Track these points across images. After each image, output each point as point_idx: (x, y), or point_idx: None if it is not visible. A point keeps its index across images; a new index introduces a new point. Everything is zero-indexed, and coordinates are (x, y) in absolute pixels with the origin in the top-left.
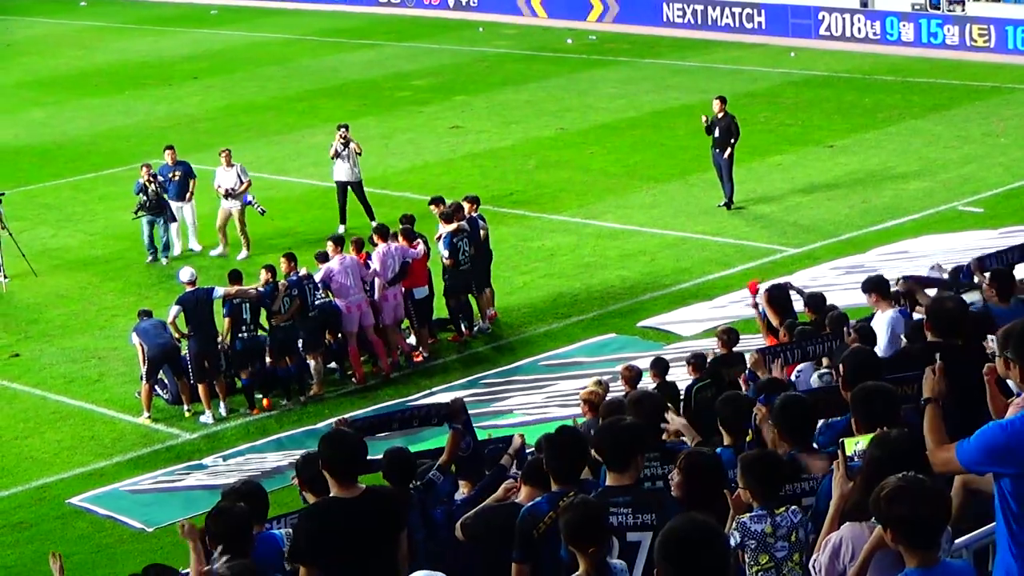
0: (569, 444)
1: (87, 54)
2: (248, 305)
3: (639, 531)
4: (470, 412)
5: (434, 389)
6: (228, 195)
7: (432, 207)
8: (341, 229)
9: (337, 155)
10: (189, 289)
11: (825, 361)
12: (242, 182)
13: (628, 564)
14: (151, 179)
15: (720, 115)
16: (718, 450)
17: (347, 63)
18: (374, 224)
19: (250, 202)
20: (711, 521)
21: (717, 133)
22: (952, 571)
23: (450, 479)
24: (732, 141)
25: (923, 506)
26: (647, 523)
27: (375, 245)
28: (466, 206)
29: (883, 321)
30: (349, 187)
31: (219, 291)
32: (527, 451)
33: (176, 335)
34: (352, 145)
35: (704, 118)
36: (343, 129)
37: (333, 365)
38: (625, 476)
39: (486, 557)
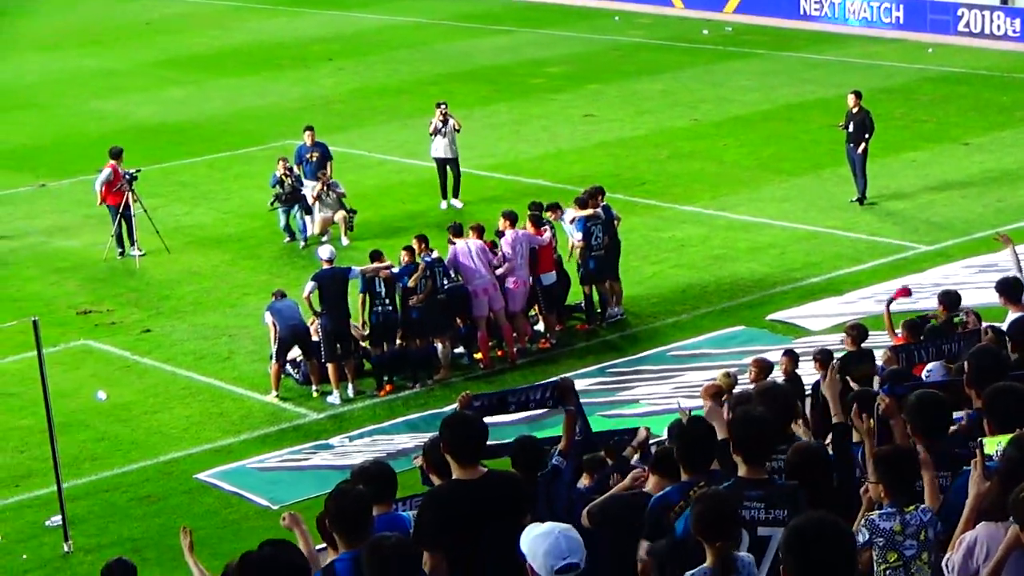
0: (702, 434)
1: (224, 34)
2: (383, 281)
3: (770, 526)
4: (597, 400)
5: (560, 376)
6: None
7: (549, 213)
8: (444, 205)
9: (436, 132)
10: (326, 267)
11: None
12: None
13: (757, 559)
14: (287, 173)
15: (855, 110)
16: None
17: (480, 48)
18: (457, 204)
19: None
20: (838, 519)
21: (852, 128)
22: None
23: (572, 465)
24: (867, 136)
25: None
26: (779, 519)
27: (501, 235)
28: (590, 200)
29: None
30: (447, 164)
31: (356, 270)
32: (651, 443)
33: (309, 312)
34: (451, 122)
35: (840, 125)
36: (442, 106)
37: (460, 350)
38: (759, 470)
39: (613, 546)
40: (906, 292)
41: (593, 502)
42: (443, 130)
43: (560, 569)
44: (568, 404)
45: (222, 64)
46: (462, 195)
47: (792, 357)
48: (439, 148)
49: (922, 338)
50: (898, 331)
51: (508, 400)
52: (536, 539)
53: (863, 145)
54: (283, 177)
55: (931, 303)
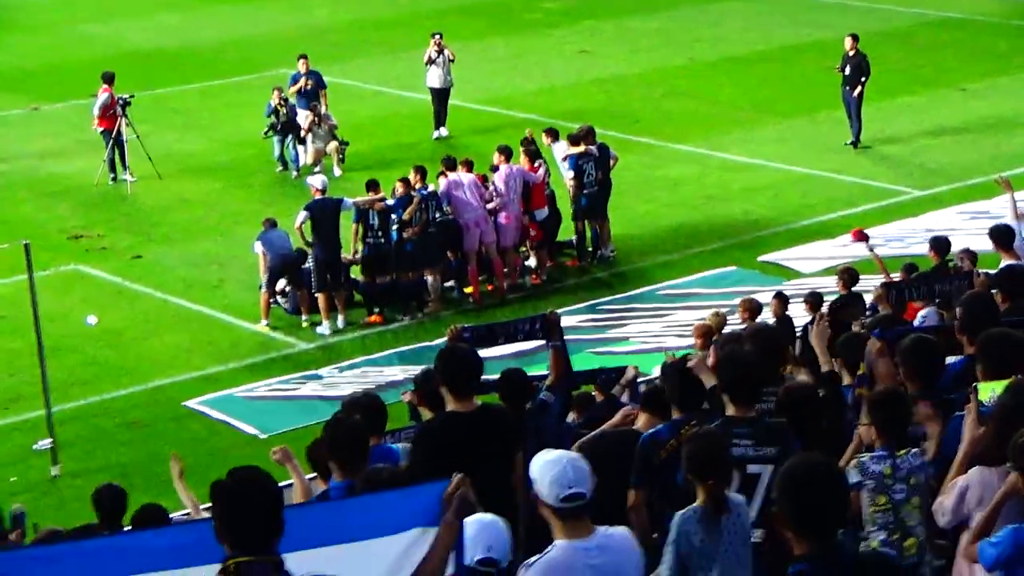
0: (690, 372)
1: None
2: (376, 212)
3: (760, 463)
4: (587, 337)
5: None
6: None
7: (545, 136)
8: (436, 134)
9: (431, 62)
10: (319, 197)
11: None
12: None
13: (748, 496)
14: (282, 103)
15: (852, 52)
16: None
17: None
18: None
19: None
20: (831, 460)
21: (848, 71)
22: None
23: (560, 400)
24: (863, 80)
25: None
26: (768, 456)
27: (495, 170)
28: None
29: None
30: (441, 94)
31: (349, 201)
32: (640, 381)
33: (301, 242)
34: (446, 52)
35: (836, 68)
36: (437, 36)
37: (451, 283)
38: (747, 408)
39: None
40: (861, 236)
41: (583, 438)
42: (437, 60)
43: (565, 498)
44: (554, 339)
45: None
46: (449, 126)
47: (782, 299)
48: (434, 78)
49: (913, 277)
50: (895, 275)
51: (496, 332)
52: (544, 466)
53: (859, 88)
54: (278, 107)
55: (923, 248)
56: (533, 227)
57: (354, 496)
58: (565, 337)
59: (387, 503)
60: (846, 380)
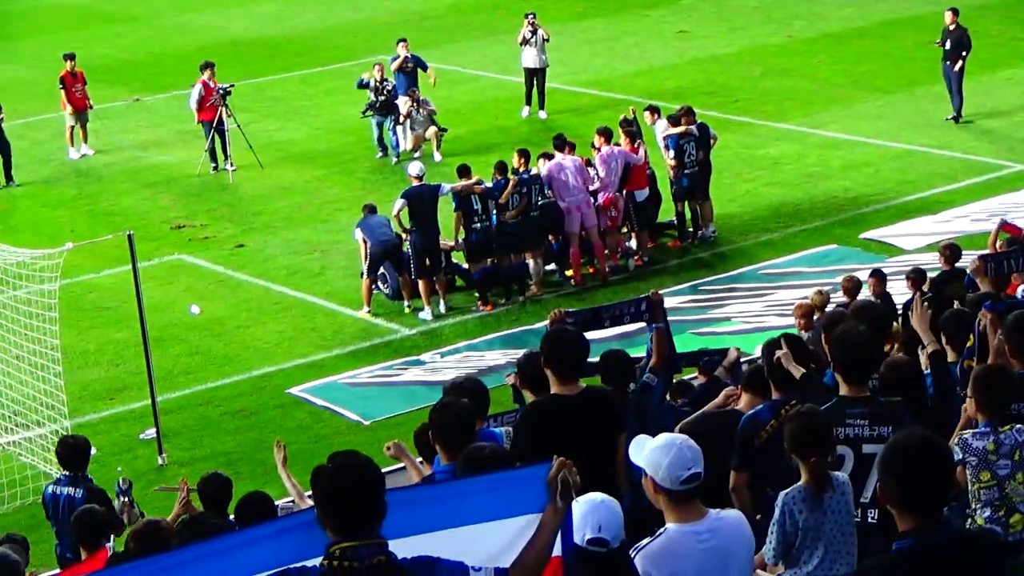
0: (792, 351)
1: None
2: (478, 197)
3: (875, 443)
4: (688, 318)
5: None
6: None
7: (647, 114)
8: (525, 111)
9: (525, 42)
10: (415, 184)
11: None
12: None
13: (863, 477)
14: (381, 82)
15: (952, 27)
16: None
17: None
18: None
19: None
20: (937, 437)
21: (948, 45)
22: None
23: (664, 381)
24: (964, 54)
25: None
26: (884, 435)
27: (597, 149)
28: (682, 119)
29: None
30: (535, 74)
31: (446, 187)
32: (743, 362)
33: (399, 229)
34: (540, 32)
35: (937, 42)
36: (531, 16)
37: (552, 267)
38: (861, 387)
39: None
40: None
41: (685, 419)
42: (532, 40)
43: (685, 479)
44: (657, 321)
45: None
46: (549, 108)
47: (880, 277)
48: (529, 58)
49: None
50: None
51: (602, 316)
52: (658, 451)
53: (960, 63)
54: (376, 84)
55: None
56: (616, 209)
57: (458, 479)
58: (668, 318)
59: (491, 487)
60: (951, 357)
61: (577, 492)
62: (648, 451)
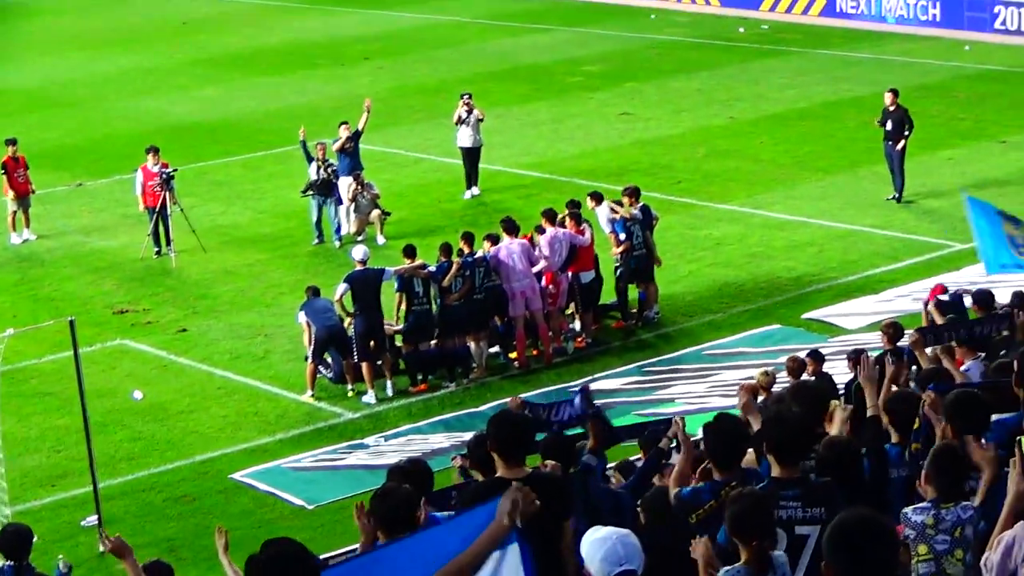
0: (729, 431)
1: (260, 32)
2: (420, 280)
3: (808, 524)
4: (633, 399)
5: (596, 375)
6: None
7: (589, 200)
8: (467, 194)
9: (461, 122)
10: (359, 268)
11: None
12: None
13: (795, 558)
14: (323, 162)
15: (892, 108)
16: (887, 447)
17: (518, 47)
18: (470, 190)
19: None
20: (881, 515)
21: (890, 126)
22: None
23: (603, 463)
24: (906, 134)
25: None
26: (816, 516)
27: (542, 231)
28: (625, 200)
29: None
30: (471, 153)
31: (390, 271)
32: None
33: (342, 313)
34: (475, 112)
35: (877, 122)
36: (466, 96)
37: (496, 349)
38: (793, 469)
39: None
40: (941, 289)
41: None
42: (467, 119)
43: (617, 575)
44: (591, 408)
45: (258, 63)
46: (493, 191)
47: (816, 357)
48: (464, 138)
49: (950, 321)
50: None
51: (551, 420)
52: (594, 544)
53: (902, 143)
54: (320, 163)
55: (966, 302)
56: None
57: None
58: (612, 400)
59: (449, 530)
60: (894, 438)
61: (534, 525)
62: (586, 544)
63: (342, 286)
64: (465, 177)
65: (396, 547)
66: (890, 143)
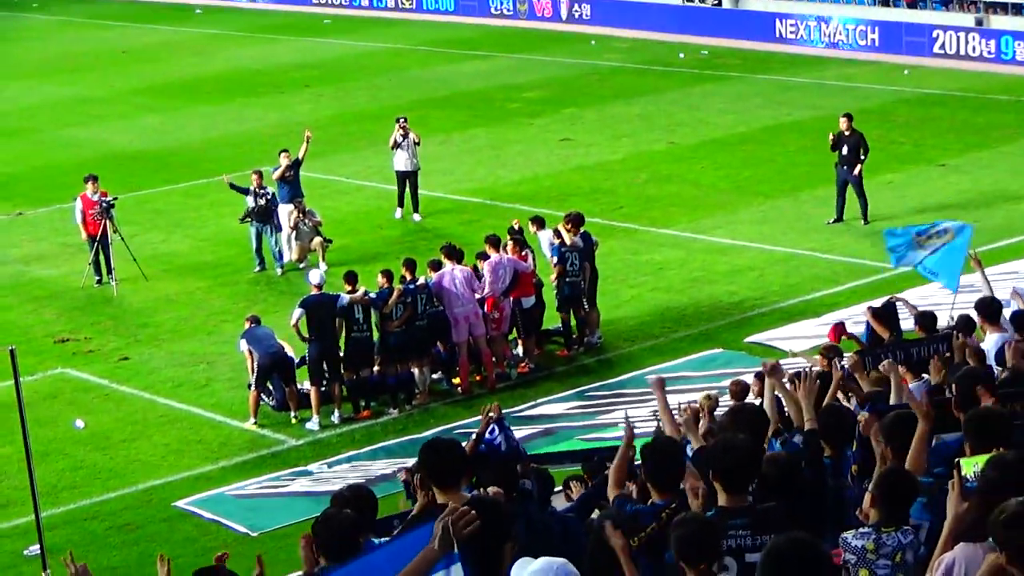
0: (668, 453)
1: (201, 61)
2: (360, 306)
3: (758, 552)
4: (575, 424)
5: (539, 400)
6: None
7: (532, 224)
8: (398, 213)
9: (397, 146)
10: (315, 292)
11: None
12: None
13: None
14: (260, 189)
15: (847, 132)
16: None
17: (458, 74)
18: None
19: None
20: (814, 540)
21: (845, 150)
22: None
23: (537, 484)
24: (862, 158)
25: None
26: (767, 544)
27: (485, 258)
28: (563, 228)
29: (988, 345)
30: (407, 177)
31: (345, 298)
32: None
33: (297, 338)
34: (411, 136)
35: (832, 136)
36: (402, 120)
37: (439, 375)
38: (742, 497)
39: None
40: (839, 329)
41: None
42: (403, 143)
43: None
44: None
45: (198, 91)
46: (433, 218)
47: (762, 379)
48: (400, 161)
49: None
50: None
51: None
52: (534, 575)
53: (858, 167)
54: (256, 191)
55: (909, 324)
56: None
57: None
58: (555, 424)
59: (386, 555)
60: (827, 452)
61: (474, 549)
62: (526, 574)
63: (297, 311)
64: (398, 199)
65: (339, 572)
66: (845, 168)
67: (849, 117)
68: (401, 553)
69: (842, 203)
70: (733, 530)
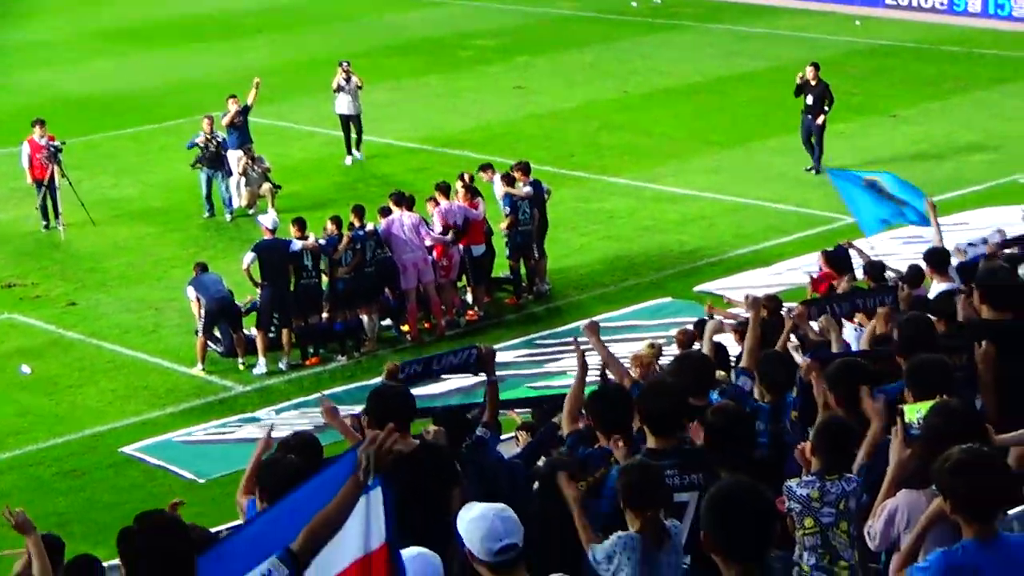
0: (616, 400)
1: (153, 6)
2: (309, 253)
3: (686, 491)
4: (524, 372)
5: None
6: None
7: (481, 173)
8: (348, 160)
9: (339, 89)
10: (268, 237)
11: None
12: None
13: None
14: (211, 135)
15: (814, 82)
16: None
17: (412, 21)
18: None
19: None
20: (757, 484)
21: (811, 100)
22: (1010, 544)
23: (497, 435)
24: (826, 109)
25: (986, 479)
26: (694, 483)
27: (436, 203)
28: (517, 174)
29: (932, 294)
30: (350, 120)
31: (297, 244)
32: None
33: (249, 283)
34: (354, 79)
35: (799, 78)
36: (345, 64)
37: (388, 322)
38: (669, 438)
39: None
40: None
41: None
42: (346, 87)
43: (500, 550)
44: (490, 374)
45: (150, 36)
46: (386, 165)
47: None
48: (343, 105)
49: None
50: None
51: (432, 366)
52: (472, 524)
53: (822, 117)
54: (206, 137)
55: (858, 273)
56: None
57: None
58: (504, 372)
59: (314, 487)
60: (767, 397)
61: (385, 471)
62: (464, 523)
63: (249, 255)
64: (346, 146)
65: (271, 512)
66: (810, 116)
67: (816, 66)
68: (328, 483)
69: (810, 150)
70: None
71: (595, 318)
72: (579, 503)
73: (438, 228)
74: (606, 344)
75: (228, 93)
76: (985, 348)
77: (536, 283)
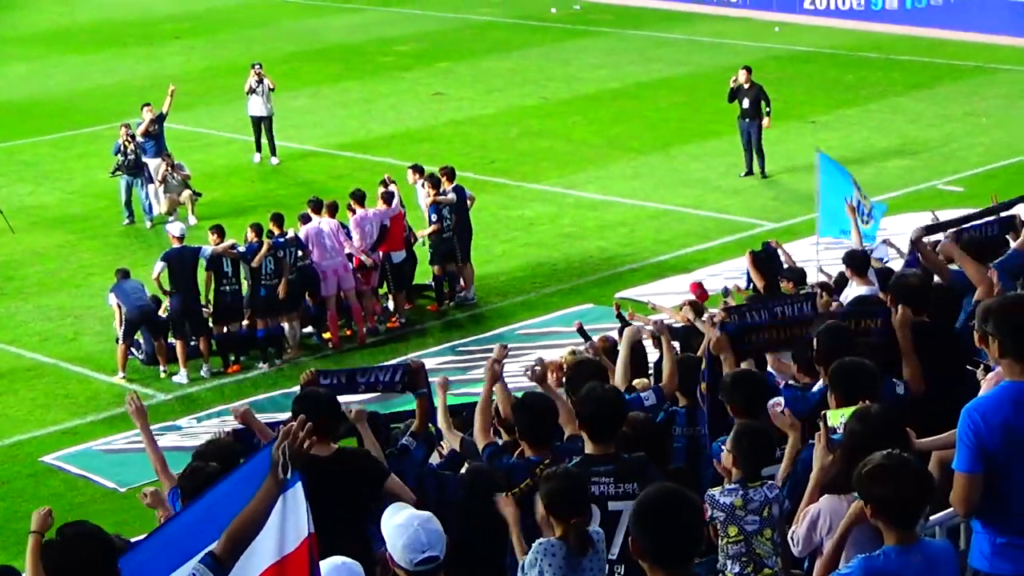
0: (540, 409)
1: (70, 11)
2: (229, 260)
3: (621, 500)
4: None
5: (409, 356)
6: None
7: (410, 172)
8: (256, 158)
9: (252, 91)
10: (176, 245)
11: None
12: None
13: (609, 533)
14: (129, 139)
15: (747, 85)
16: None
17: (330, 27)
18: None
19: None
20: (685, 491)
21: (746, 104)
22: (931, 549)
23: (424, 446)
24: (767, 111)
25: (906, 485)
26: (629, 492)
27: (353, 211)
28: (443, 179)
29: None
30: (262, 122)
31: (207, 250)
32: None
33: (159, 292)
34: (266, 81)
35: (733, 79)
36: (257, 66)
37: (309, 329)
38: (606, 445)
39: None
40: (697, 286)
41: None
42: (258, 89)
43: (420, 562)
44: (420, 387)
45: (67, 41)
46: (304, 170)
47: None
48: (255, 107)
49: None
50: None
51: (357, 380)
52: (396, 529)
53: (767, 119)
54: (125, 144)
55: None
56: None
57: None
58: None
59: (230, 488)
60: (682, 402)
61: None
62: (388, 528)
63: (159, 264)
64: (256, 144)
65: (191, 511)
66: (747, 120)
67: (748, 70)
68: (243, 483)
69: (749, 156)
70: (597, 477)
71: (513, 325)
72: (517, 523)
73: (356, 237)
74: (529, 350)
75: (147, 99)
76: (902, 312)
77: (459, 289)
